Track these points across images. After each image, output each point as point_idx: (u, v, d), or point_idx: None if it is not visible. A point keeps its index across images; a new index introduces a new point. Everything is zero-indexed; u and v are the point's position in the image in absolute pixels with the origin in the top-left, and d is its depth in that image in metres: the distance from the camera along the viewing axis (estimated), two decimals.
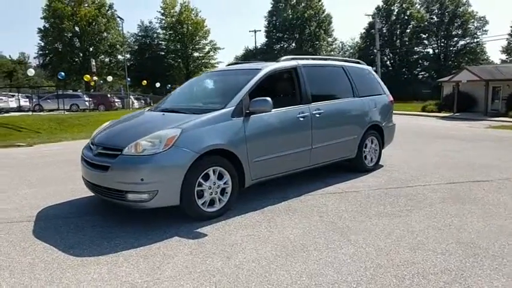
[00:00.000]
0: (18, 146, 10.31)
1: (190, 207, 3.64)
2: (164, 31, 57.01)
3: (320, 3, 58.59)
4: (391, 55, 55.73)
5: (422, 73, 55.30)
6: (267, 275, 2.66)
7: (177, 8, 55.61)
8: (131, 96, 37.27)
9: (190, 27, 55.70)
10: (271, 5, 58.37)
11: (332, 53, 60.52)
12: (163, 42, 58.05)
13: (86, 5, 48.67)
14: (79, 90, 40.18)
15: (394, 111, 6.48)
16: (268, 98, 4.02)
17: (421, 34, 54.05)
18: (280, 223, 3.69)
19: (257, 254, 3.02)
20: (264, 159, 4.20)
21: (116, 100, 32.34)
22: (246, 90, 4.15)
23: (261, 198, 4.46)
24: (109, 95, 33.31)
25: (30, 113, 22.35)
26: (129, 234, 3.45)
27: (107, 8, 51.14)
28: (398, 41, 55.19)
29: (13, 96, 24.81)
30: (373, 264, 2.79)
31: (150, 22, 57.13)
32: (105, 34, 50.90)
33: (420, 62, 55.47)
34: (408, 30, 54.33)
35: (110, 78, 42.17)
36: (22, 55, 65.57)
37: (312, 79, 4.94)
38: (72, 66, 48.91)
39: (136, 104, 36.88)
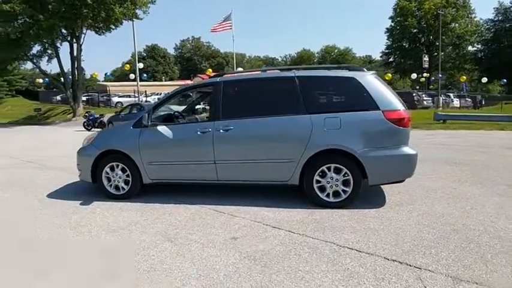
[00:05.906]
0: None
1: (101, 187, 5.32)
2: None
3: None
4: None
5: None
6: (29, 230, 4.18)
7: None
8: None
9: None
10: None
11: None
12: None
13: None
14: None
15: None
16: (146, 115, 4.85)
17: None
18: (123, 215, 4.62)
19: (61, 221, 4.46)
20: (158, 164, 5.02)
21: (425, 98, 30.88)
22: (150, 107, 5.13)
23: (179, 199, 5.18)
24: (414, 93, 32.12)
25: None
26: (81, 196, 5.53)
27: None
28: None
29: None
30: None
31: None
32: (452, 25, 48.38)
33: None
34: None
35: (413, 76, 40.02)
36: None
37: (236, 95, 4.87)
38: (415, 63, 49.21)
39: (456, 102, 33.64)
